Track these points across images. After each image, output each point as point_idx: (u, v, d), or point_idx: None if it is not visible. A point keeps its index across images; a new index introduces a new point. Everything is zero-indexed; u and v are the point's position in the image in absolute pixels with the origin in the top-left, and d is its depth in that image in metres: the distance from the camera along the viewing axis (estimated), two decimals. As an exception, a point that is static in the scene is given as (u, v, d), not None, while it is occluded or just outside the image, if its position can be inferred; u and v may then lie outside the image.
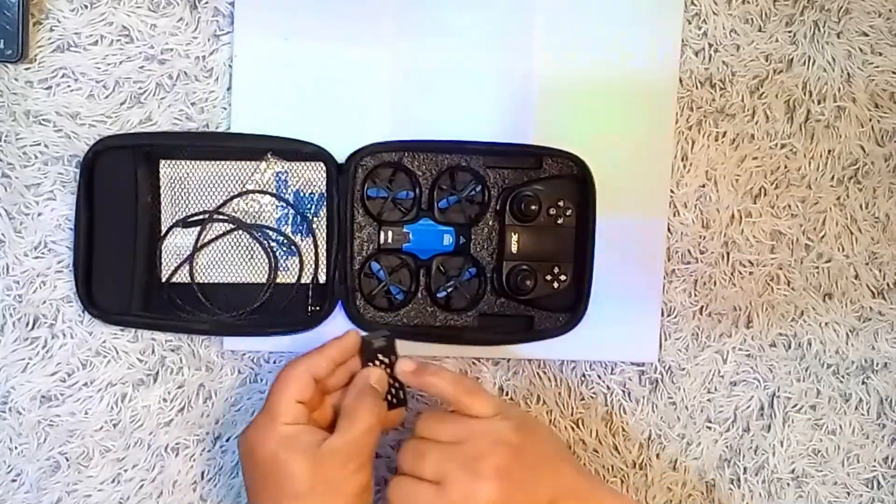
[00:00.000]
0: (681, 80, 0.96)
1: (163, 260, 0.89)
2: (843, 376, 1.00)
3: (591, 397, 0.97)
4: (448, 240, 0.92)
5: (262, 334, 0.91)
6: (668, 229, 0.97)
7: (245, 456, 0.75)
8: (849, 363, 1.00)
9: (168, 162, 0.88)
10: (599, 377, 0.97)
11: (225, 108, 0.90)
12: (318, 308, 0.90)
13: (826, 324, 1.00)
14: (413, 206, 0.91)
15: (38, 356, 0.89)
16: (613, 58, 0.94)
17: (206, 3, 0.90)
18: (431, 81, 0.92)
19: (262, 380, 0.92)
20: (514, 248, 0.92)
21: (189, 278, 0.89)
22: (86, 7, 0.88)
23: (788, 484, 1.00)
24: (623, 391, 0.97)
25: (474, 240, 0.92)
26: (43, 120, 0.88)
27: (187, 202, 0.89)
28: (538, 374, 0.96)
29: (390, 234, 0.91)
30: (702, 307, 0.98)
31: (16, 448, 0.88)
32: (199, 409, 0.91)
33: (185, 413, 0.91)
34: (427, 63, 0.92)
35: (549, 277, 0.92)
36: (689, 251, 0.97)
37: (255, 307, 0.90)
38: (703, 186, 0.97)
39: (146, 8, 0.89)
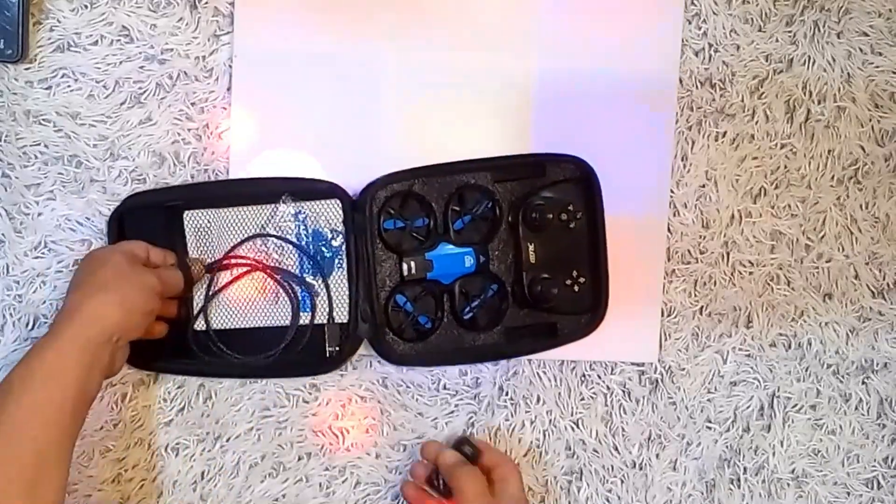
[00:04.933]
0: (681, 80, 0.96)
1: (191, 307, 0.89)
2: (843, 376, 1.00)
3: (591, 397, 0.97)
4: (469, 261, 0.92)
5: (287, 376, 0.91)
6: (668, 229, 0.97)
7: (83, 261, 0.84)
8: (849, 363, 1.00)
9: (191, 213, 0.88)
10: (599, 377, 0.97)
11: (225, 108, 0.90)
12: (337, 349, 0.90)
13: (826, 324, 1.00)
14: (430, 233, 0.91)
15: (38, 356, 0.88)
16: (613, 58, 0.94)
17: (206, 3, 0.90)
18: (431, 83, 0.92)
19: (262, 379, 0.92)
20: (531, 259, 0.92)
21: (205, 325, 0.89)
22: (86, 7, 0.88)
23: (788, 484, 1.00)
24: (623, 391, 0.97)
25: (493, 256, 0.92)
26: (43, 120, 0.88)
27: (212, 249, 0.88)
28: (538, 374, 0.96)
29: (413, 264, 0.90)
30: (702, 307, 0.98)
31: (16, 448, 0.88)
32: (199, 409, 0.91)
33: (185, 413, 0.91)
34: (426, 61, 0.92)
35: (568, 282, 0.93)
36: (689, 251, 0.97)
37: (279, 350, 0.89)
38: (703, 186, 0.97)
39: (146, 8, 0.89)
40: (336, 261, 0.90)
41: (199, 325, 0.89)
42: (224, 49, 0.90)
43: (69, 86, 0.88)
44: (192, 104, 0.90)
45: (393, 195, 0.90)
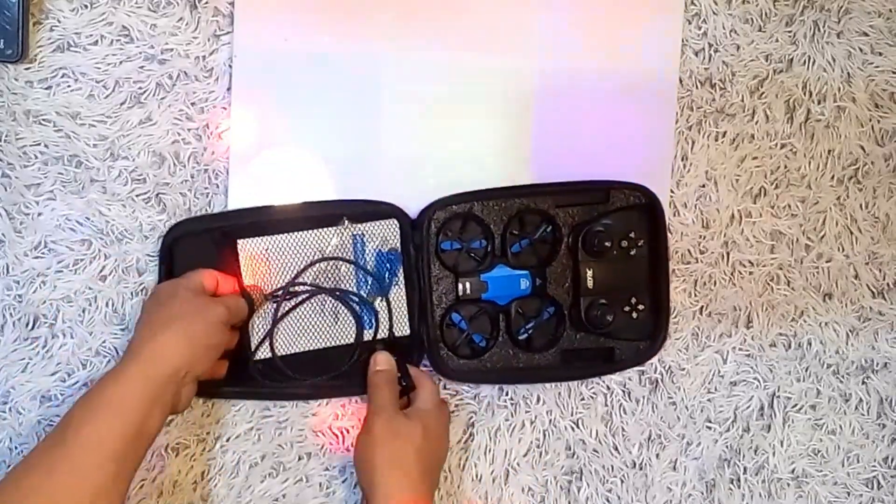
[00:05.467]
0: (681, 80, 0.96)
1: (251, 336, 0.88)
2: (843, 376, 1.00)
3: (591, 397, 0.97)
4: (525, 284, 0.92)
5: (354, 394, 0.91)
6: (669, 229, 0.97)
7: (151, 295, 0.85)
8: (849, 363, 1.00)
9: (246, 241, 0.88)
10: (600, 377, 0.97)
11: (225, 108, 0.90)
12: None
13: (826, 324, 1.00)
14: (487, 255, 0.91)
15: (38, 356, 0.88)
16: (613, 58, 0.94)
17: (206, 3, 0.90)
18: (430, 83, 0.92)
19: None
20: (590, 284, 0.92)
21: (271, 353, 0.89)
22: (86, 7, 0.88)
23: (788, 484, 1.00)
24: (623, 391, 0.97)
25: (550, 279, 0.92)
26: (43, 120, 0.88)
27: (268, 276, 0.88)
28: (538, 374, 0.96)
29: (468, 284, 0.91)
30: (702, 307, 0.98)
31: (16, 448, 0.88)
32: (199, 409, 0.91)
33: (186, 413, 0.91)
34: (425, 61, 0.92)
35: (627, 308, 0.93)
36: (689, 251, 0.97)
37: (343, 370, 0.89)
38: (703, 186, 0.97)
39: (146, 8, 0.89)
40: (395, 278, 0.90)
41: (262, 353, 0.89)
42: (224, 49, 0.90)
43: (69, 86, 0.88)
44: (192, 104, 0.90)
45: (452, 216, 0.91)
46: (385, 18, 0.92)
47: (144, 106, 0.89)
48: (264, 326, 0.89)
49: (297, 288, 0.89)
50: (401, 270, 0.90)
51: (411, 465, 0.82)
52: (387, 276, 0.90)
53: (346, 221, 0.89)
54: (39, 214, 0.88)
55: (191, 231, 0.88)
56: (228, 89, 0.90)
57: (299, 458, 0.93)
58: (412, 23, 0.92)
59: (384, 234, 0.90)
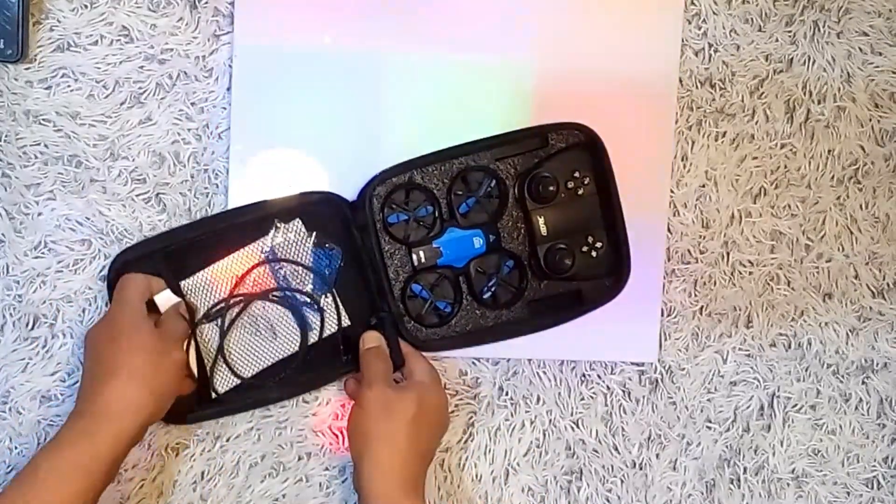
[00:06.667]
0: (681, 80, 0.96)
1: (205, 358, 0.88)
2: (843, 376, 1.00)
3: (591, 397, 0.97)
4: (478, 242, 0.92)
5: (314, 389, 0.92)
6: (668, 229, 0.97)
7: (103, 332, 0.82)
8: (849, 363, 1.00)
9: (186, 282, 0.86)
10: (599, 377, 0.97)
11: (225, 108, 0.90)
12: (349, 355, 0.90)
13: (826, 324, 1.00)
14: (435, 220, 0.91)
15: (38, 356, 0.88)
16: (613, 58, 0.94)
17: (206, 3, 0.90)
18: (430, 83, 0.92)
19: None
20: (543, 231, 0.92)
21: (236, 378, 0.88)
22: (86, 7, 0.88)
23: (788, 484, 1.00)
24: (623, 391, 0.97)
25: (503, 233, 0.92)
26: (43, 120, 0.88)
27: (215, 299, 0.87)
28: (538, 374, 0.96)
29: (422, 253, 0.91)
30: (702, 307, 0.98)
31: (16, 448, 0.88)
32: (199, 409, 0.91)
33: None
34: (425, 62, 0.92)
35: (585, 249, 0.92)
36: (689, 251, 0.97)
37: (295, 368, 0.89)
38: (703, 186, 0.97)
39: (146, 8, 0.89)
40: (333, 272, 0.89)
41: (225, 384, 0.88)
42: (224, 49, 0.90)
43: (69, 86, 0.88)
44: (192, 104, 0.90)
45: (393, 189, 0.90)
46: (385, 18, 0.92)
47: (144, 106, 0.89)
48: (213, 345, 0.88)
49: (233, 300, 0.87)
50: (337, 262, 0.89)
51: (402, 439, 0.83)
52: (327, 271, 0.89)
53: (279, 224, 0.88)
54: (39, 214, 0.88)
55: (132, 259, 0.86)
56: (228, 89, 0.90)
57: (299, 458, 0.93)
58: (412, 23, 0.92)
59: (295, 236, 0.89)
